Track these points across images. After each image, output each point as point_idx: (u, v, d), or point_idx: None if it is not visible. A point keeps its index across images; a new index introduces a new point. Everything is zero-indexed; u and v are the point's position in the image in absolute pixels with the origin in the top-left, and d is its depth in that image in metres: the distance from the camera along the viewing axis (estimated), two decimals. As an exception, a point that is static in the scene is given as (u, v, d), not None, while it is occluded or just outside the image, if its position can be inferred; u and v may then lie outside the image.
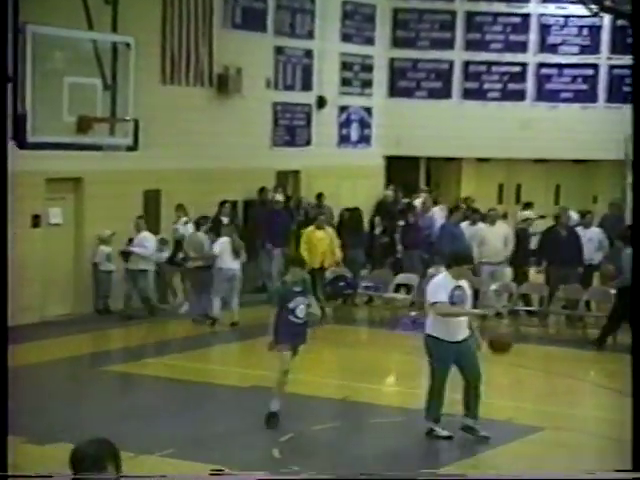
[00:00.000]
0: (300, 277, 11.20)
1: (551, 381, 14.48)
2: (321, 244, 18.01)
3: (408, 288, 18.61)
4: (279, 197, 19.60)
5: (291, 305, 11.04)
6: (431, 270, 17.19)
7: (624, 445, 10.22)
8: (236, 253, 17.04)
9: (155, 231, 18.45)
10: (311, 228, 18.31)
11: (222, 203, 19.06)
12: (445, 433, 10.81)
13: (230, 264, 16.99)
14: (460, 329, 10.77)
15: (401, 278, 18.61)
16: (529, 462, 10.38)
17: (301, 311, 11.07)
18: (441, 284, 10.82)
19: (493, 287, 17.94)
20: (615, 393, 12.96)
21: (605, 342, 15.94)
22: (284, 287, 11.29)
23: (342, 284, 18.38)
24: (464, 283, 10.88)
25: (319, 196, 21.12)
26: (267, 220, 19.29)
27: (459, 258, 11.08)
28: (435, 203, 21.80)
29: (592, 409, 12.89)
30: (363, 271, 19.42)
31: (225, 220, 18.86)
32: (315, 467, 9.85)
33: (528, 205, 21.54)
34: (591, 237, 18.29)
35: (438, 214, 20.84)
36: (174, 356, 15.07)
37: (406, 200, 21.75)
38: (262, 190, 20.32)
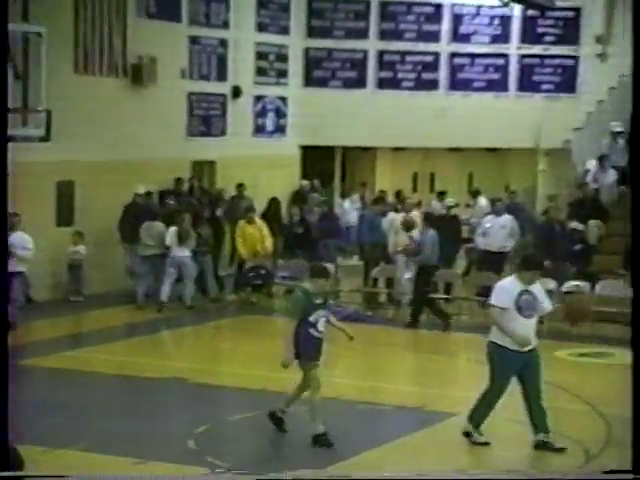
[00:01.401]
0: (322, 289, 10.54)
1: (465, 367, 14.72)
2: (252, 237, 18.20)
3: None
4: (140, 189, 18.97)
5: (312, 318, 10.39)
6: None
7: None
8: (183, 241, 17.70)
9: (68, 223, 18.31)
10: (242, 222, 18.44)
11: (136, 194, 18.96)
12: (482, 439, 10.34)
13: (177, 252, 17.65)
14: (527, 338, 10.10)
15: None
16: (441, 449, 10.55)
17: (322, 325, 10.45)
18: (506, 287, 10.23)
19: (407, 276, 18.14)
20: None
21: (418, 321, 16.68)
22: (307, 298, 10.48)
23: (252, 274, 18.45)
24: (536, 288, 10.22)
25: (239, 186, 21.15)
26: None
27: (530, 263, 10.30)
28: (343, 196, 22.07)
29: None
30: (280, 261, 19.50)
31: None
32: (231, 458, 9.90)
33: (442, 194, 21.81)
34: (503, 224, 18.61)
35: (348, 206, 21.08)
36: (87, 348, 14.98)
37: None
38: (178, 180, 20.27)
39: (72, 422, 11.07)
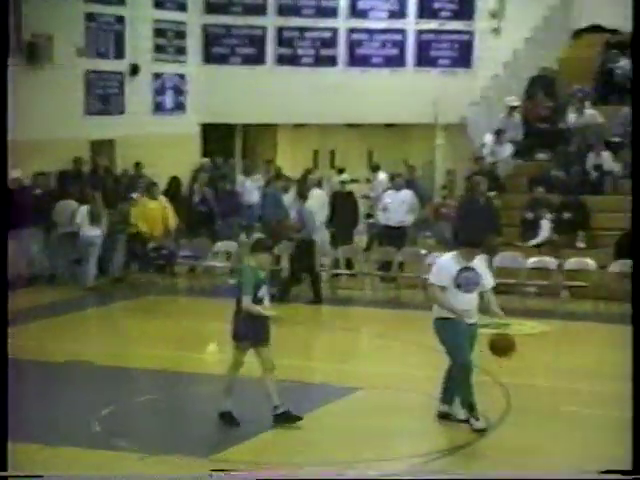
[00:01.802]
0: (266, 264, 10.31)
1: (368, 342, 14.93)
2: (153, 214, 18.17)
3: (228, 255, 18.78)
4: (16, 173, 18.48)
5: (260, 295, 10.14)
6: None
7: (433, 401, 10.75)
8: (94, 221, 17.95)
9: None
10: (144, 198, 18.43)
11: (36, 174, 18.72)
12: (480, 425, 10.13)
13: (88, 231, 17.78)
14: (470, 311, 10.13)
15: (219, 246, 18.76)
16: (346, 422, 10.70)
17: (267, 302, 10.22)
18: (445, 265, 10.17)
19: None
20: (428, 350, 13.51)
21: (289, 294, 16.99)
22: (254, 274, 10.12)
23: (154, 255, 18.40)
24: (477, 264, 10.15)
25: (137, 165, 20.97)
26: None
27: (469, 239, 10.27)
28: (245, 174, 22.08)
29: (407, 367, 13.35)
30: (183, 240, 19.45)
31: (38, 192, 18.61)
32: (137, 440, 9.92)
33: (341, 171, 22.02)
34: (403, 199, 18.86)
35: (249, 184, 21.11)
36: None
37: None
38: (77, 160, 20.03)
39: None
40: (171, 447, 9.74)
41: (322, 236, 18.63)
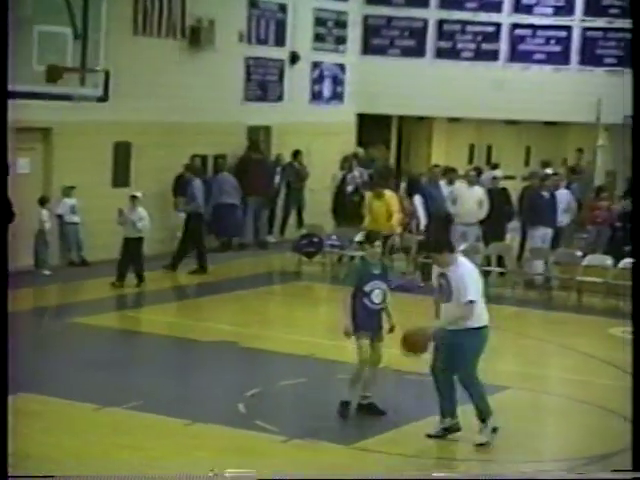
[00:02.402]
0: (376, 255, 10.14)
1: (517, 341, 14.59)
2: (378, 211, 17.50)
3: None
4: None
5: (367, 288, 10.06)
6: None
7: (581, 406, 10.40)
8: None
9: (125, 183, 18.36)
10: (370, 194, 17.83)
11: (192, 156, 18.99)
12: (483, 440, 9.51)
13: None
14: (443, 320, 9.54)
15: (361, 235, 18.40)
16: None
17: (376, 296, 10.07)
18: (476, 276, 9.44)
19: (462, 247, 17.98)
20: (576, 354, 13.14)
21: (177, 266, 17.33)
22: (363, 267, 10.22)
23: (305, 242, 18.41)
24: (455, 272, 9.37)
25: (296, 154, 21.09)
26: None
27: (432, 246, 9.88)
28: (398, 165, 21.94)
29: (558, 370, 13.01)
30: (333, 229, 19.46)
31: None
32: (280, 423, 9.90)
33: (495, 166, 21.64)
34: (560, 199, 18.39)
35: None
36: (140, 309, 15.06)
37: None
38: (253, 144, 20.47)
39: (123, 381, 11.13)
40: (312, 432, 9.68)
41: (474, 232, 18.35)
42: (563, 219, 18.36)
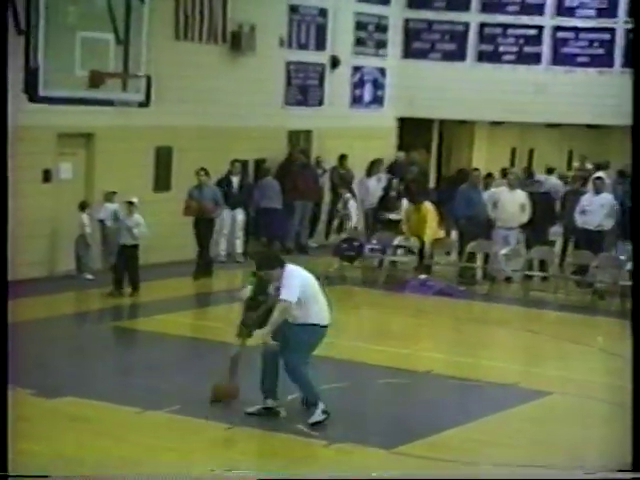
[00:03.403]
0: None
1: (560, 346, 14.48)
2: (417, 223, 17.85)
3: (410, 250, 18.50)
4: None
5: None
6: None
7: (627, 411, 10.27)
8: None
9: (166, 188, 18.44)
10: (411, 207, 18.16)
11: (233, 161, 19.04)
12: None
13: None
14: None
15: (400, 240, 18.38)
16: (534, 426, 10.39)
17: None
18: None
19: (503, 251, 17.91)
20: (621, 358, 12.99)
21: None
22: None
23: (345, 246, 18.40)
24: (281, 282, 9.99)
25: (341, 158, 21.08)
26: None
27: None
28: (439, 170, 21.88)
29: (599, 375, 12.88)
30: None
31: (234, 179, 18.94)
32: (320, 427, 9.87)
33: (551, 171, 21.46)
34: (602, 203, 18.20)
35: (373, 184, 20.87)
36: (181, 313, 15.11)
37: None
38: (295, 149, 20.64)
39: (164, 384, 11.15)
40: (353, 437, 9.64)
41: (516, 236, 18.25)
42: (606, 223, 18.17)
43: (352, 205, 19.00)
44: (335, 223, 20.47)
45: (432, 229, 17.91)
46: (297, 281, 9.94)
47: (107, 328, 14.17)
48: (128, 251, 15.74)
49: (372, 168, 21.09)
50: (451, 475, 8.94)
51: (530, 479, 8.83)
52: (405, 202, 18.94)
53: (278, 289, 10.00)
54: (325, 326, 10.17)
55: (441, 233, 18.51)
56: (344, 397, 11.13)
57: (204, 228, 17.43)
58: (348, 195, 18.98)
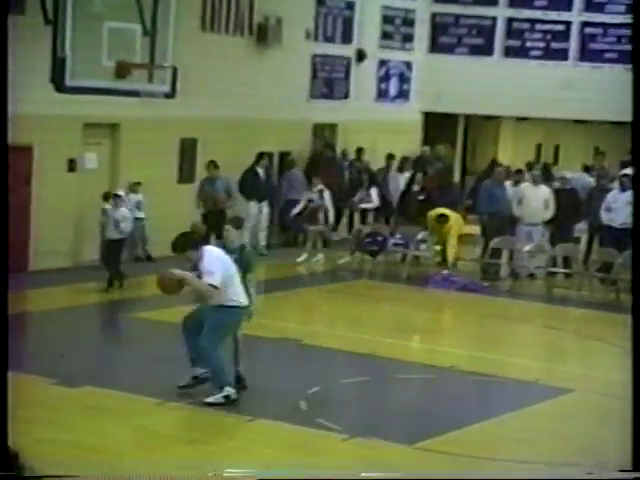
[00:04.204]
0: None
1: (582, 344, 14.41)
2: (439, 225, 17.72)
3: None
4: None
5: None
6: None
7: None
8: None
9: (191, 179, 18.47)
10: (433, 215, 17.85)
11: (259, 154, 19.03)
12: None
13: None
14: None
15: (424, 234, 18.27)
16: (555, 424, 10.34)
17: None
18: None
19: (527, 248, 17.83)
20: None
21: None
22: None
23: (369, 240, 18.36)
24: (200, 264, 10.18)
25: (358, 151, 21.04)
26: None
27: None
28: (464, 164, 21.74)
29: (621, 373, 12.79)
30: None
31: (261, 172, 18.94)
32: (342, 421, 9.86)
33: (587, 169, 21.30)
34: (628, 200, 18.06)
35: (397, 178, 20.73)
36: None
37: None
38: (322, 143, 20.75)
39: (186, 376, 11.15)
40: (374, 431, 9.63)
41: (540, 232, 18.17)
42: (630, 221, 18.03)
43: (327, 196, 18.55)
44: (305, 213, 18.85)
45: (454, 247, 17.67)
46: (218, 264, 10.06)
47: (129, 319, 14.19)
48: (113, 245, 15.31)
49: (404, 164, 20.98)
50: (451, 475, 8.89)
51: (532, 479, 8.77)
52: (374, 192, 18.80)
53: (196, 269, 10.06)
54: (243, 307, 10.27)
55: (469, 229, 18.38)
56: (365, 391, 11.13)
57: (215, 220, 17.26)
58: (321, 186, 18.54)
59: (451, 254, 17.69)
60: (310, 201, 18.62)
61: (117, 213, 15.33)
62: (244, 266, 10.53)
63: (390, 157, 21.15)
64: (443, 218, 17.63)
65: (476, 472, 9.00)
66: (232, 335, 10.53)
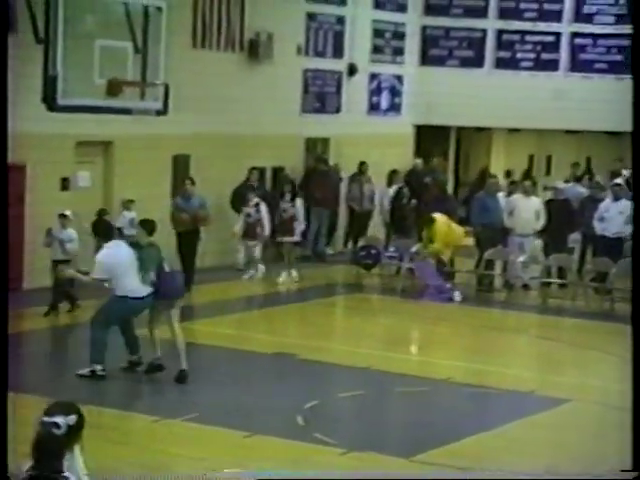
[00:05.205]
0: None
1: (578, 353, 14.42)
2: (438, 230, 17.49)
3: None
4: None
5: None
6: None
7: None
8: None
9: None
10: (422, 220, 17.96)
11: (251, 169, 19.06)
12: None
13: None
14: None
15: (418, 247, 18.23)
16: (551, 434, 10.35)
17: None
18: None
19: (521, 259, 17.86)
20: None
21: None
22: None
23: (363, 254, 18.36)
24: None
25: (361, 164, 21.03)
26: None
27: None
28: (457, 177, 21.75)
29: (617, 382, 12.81)
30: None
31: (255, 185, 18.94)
32: (339, 435, 9.86)
33: (579, 179, 21.38)
34: (621, 210, 18.13)
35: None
36: (198, 321, 15.12)
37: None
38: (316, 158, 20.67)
39: (182, 392, 11.16)
40: (371, 445, 9.62)
41: (531, 243, 18.20)
42: (625, 230, 18.09)
43: (263, 209, 18.19)
44: (240, 227, 18.15)
45: (439, 244, 17.65)
46: (104, 259, 11.48)
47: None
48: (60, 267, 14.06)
49: (393, 177, 21.01)
50: (451, 475, 8.90)
51: (534, 479, 8.78)
52: (263, 206, 18.05)
53: None
54: (138, 298, 11.38)
55: (466, 241, 18.37)
56: (362, 405, 11.13)
57: (190, 239, 16.67)
58: (257, 199, 18.20)
59: (433, 249, 17.56)
60: (248, 216, 18.24)
61: (63, 234, 14.50)
62: (153, 261, 11.52)
63: (394, 173, 21.05)
64: (429, 221, 17.64)
65: (476, 473, 9.01)
66: (126, 324, 11.72)
